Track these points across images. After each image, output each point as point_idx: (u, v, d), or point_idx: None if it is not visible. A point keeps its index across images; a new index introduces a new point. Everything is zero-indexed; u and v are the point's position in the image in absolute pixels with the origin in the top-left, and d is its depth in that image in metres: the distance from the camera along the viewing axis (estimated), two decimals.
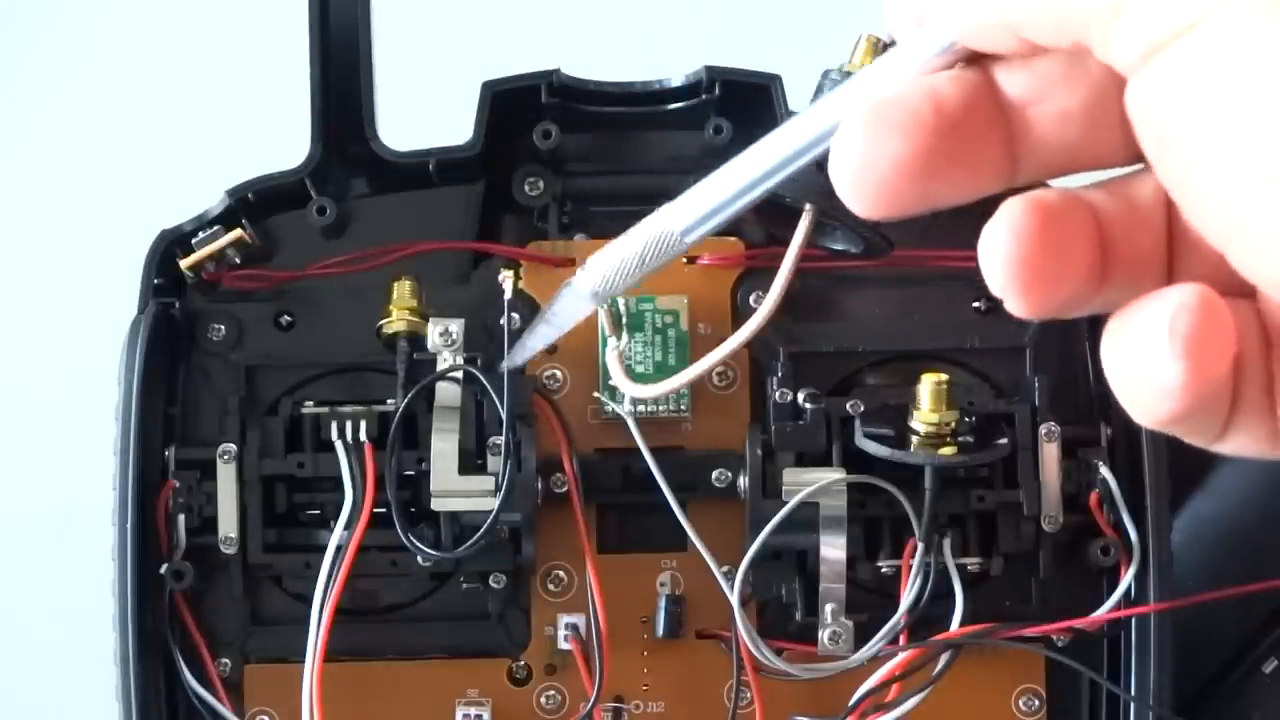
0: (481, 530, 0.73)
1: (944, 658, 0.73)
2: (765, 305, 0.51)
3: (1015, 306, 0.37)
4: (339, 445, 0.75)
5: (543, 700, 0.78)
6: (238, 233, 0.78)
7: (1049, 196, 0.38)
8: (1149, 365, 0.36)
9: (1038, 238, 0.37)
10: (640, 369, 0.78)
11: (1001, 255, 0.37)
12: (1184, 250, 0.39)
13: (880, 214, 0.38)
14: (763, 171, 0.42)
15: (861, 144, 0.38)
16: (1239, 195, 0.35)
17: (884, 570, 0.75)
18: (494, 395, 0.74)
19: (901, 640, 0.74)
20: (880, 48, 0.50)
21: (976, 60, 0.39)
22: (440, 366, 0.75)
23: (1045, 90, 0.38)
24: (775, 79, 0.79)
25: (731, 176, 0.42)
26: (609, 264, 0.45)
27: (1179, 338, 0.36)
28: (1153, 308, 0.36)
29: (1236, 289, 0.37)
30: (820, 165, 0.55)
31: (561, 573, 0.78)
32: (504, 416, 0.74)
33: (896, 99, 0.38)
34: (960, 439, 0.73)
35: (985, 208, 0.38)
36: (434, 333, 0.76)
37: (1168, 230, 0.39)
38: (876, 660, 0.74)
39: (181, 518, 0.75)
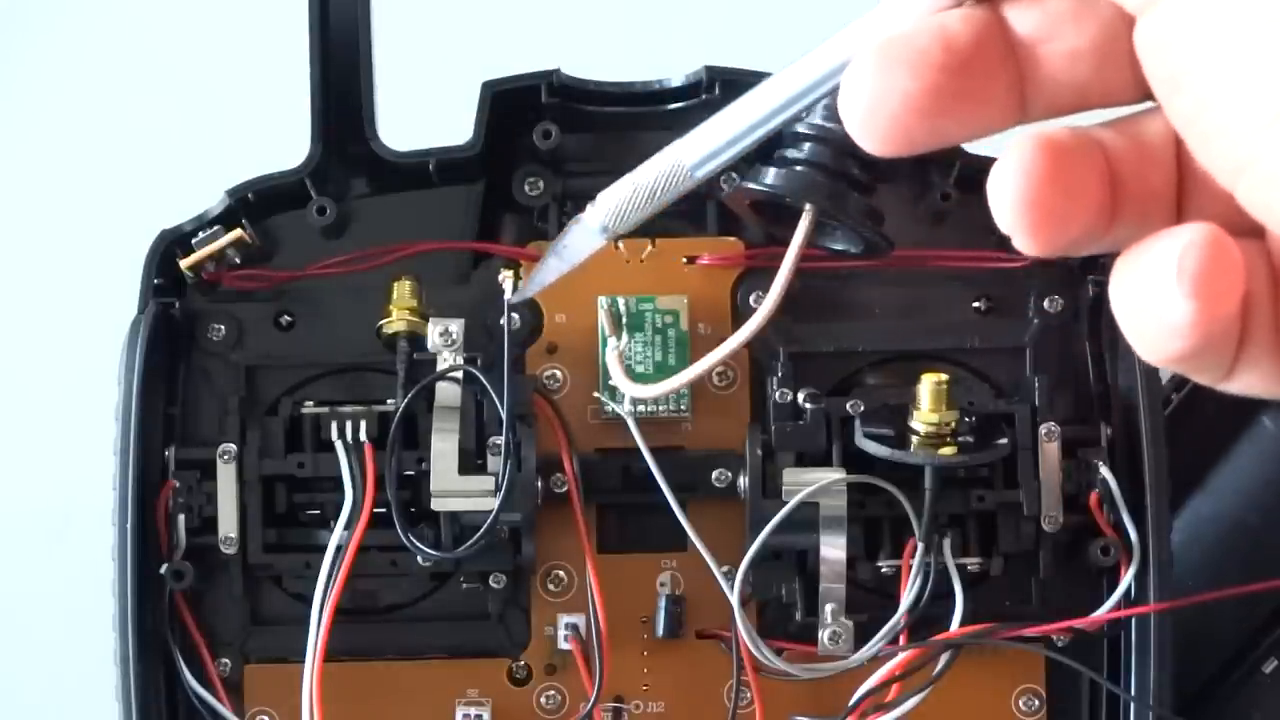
0: (481, 530, 0.73)
1: (944, 658, 0.73)
2: (765, 305, 0.51)
3: (1024, 244, 0.37)
4: (339, 445, 0.75)
5: (543, 700, 0.78)
6: (238, 233, 0.78)
7: (1059, 134, 0.38)
8: (1158, 303, 0.36)
9: (1047, 175, 0.37)
10: (640, 369, 0.78)
11: (1011, 193, 0.37)
12: (1193, 189, 0.39)
13: (890, 150, 0.38)
14: (773, 108, 0.42)
15: (871, 81, 0.38)
16: (1249, 133, 0.35)
17: (884, 570, 0.75)
18: (494, 395, 0.74)
19: (901, 640, 0.74)
20: None
21: None
22: (440, 366, 0.75)
23: (1055, 28, 0.38)
24: None
25: (742, 112, 0.43)
26: (619, 198, 0.45)
27: (1188, 275, 0.36)
28: (1162, 245, 0.36)
29: (1246, 229, 0.37)
30: (820, 165, 0.55)
31: (561, 573, 0.78)
32: (504, 416, 0.74)
33: (906, 36, 0.38)
34: (960, 439, 0.73)
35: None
36: (434, 333, 0.76)
37: (1177, 169, 0.39)
38: (876, 660, 0.74)
39: (181, 518, 0.75)
